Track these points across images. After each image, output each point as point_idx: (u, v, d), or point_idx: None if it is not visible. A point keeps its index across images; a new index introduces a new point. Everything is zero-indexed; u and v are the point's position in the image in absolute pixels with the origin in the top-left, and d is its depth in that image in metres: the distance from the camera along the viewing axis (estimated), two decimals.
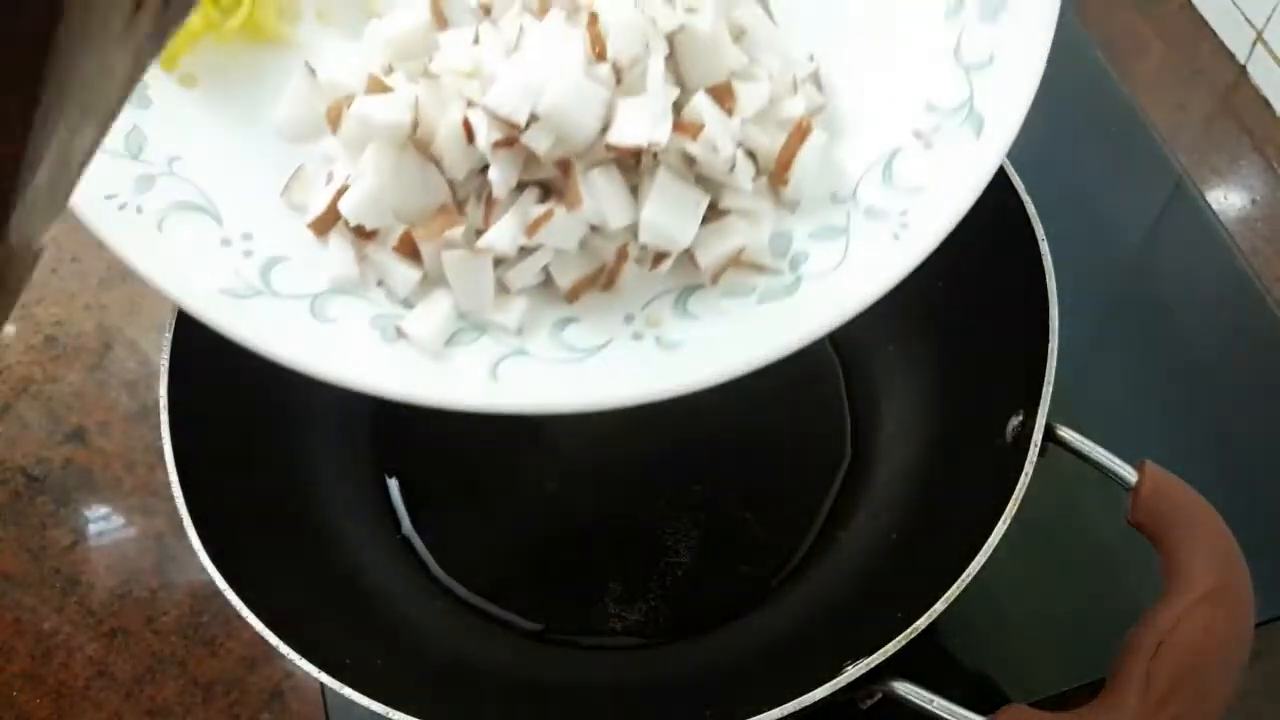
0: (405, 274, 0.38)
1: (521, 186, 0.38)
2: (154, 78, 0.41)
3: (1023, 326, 0.49)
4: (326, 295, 0.39)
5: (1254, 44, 0.74)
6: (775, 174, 0.39)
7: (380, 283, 0.39)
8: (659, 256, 0.38)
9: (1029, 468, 0.45)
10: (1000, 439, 0.49)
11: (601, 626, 0.55)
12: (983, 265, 0.46)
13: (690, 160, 0.38)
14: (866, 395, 0.60)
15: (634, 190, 0.38)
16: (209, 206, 0.40)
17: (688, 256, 0.39)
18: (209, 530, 0.45)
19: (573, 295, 0.39)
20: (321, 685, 0.46)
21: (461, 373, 0.38)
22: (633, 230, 0.38)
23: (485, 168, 0.38)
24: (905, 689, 0.44)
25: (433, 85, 0.38)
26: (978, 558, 0.43)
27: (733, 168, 0.37)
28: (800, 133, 0.39)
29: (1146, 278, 0.69)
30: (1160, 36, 0.78)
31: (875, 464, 0.58)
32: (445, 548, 0.57)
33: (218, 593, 0.43)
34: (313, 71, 0.41)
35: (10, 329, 0.68)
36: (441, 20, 0.41)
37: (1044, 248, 0.49)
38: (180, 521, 0.45)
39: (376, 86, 0.39)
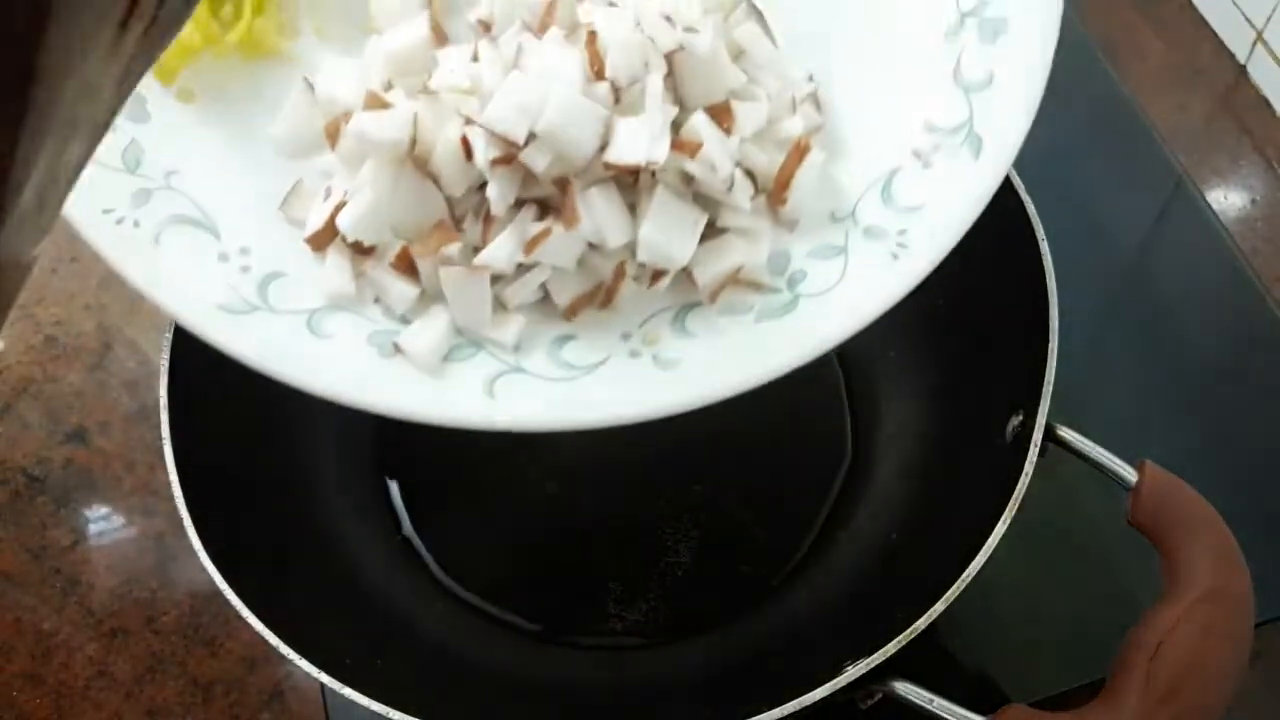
0: (403, 290, 0.38)
1: (519, 204, 0.38)
2: (152, 92, 0.41)
3: (1023, 326, 0.49)
4: (323, 311, 0.39)
5: (1254, 44, 0.74)
6: (774, 193, 0.39)
7: (377, 299, 0.39)
8: (657, 274, 0.38)
9: (1029, 468, 0.45)
10: (1000, 439, 0.49)
11: (601, 626, 0.55)
12: (983, 265, 0.45)
13: (689, 179, 0.38)
14: (866, 395, 0.60)
15: (632, 208, 0.38)
16: (206, 221, 0.40)
17: (686, 275, 0.39)
18: (209, 530, 0.45)
19: (570, 313, 0.39)
20: (321, 685, 0.46)
21: (458, 390, 0.37)
22: (631, 248, 0.38)
23: (483, 185, 0.38)
24: (905, 689, 0.44)
25: (431, 102, 0.38)
26: (978, 558, 0.43)
27: (731, 186, 0.37)
28: (799, 152, 0.39)
29: (1146, 278, 0.69)
30: (1160, 36, 0.78)
31: (875, 464, 0.58)
32: (445, 548, 0.57)
33: (218, 593, 0.43)
34: (311, 87, 0.41)
35: (10, 329, 0.68)
36: (441, 37, 0.41)
37: (1044, 248, 0.49)
38: (180, 521, 0.45)
39: (375, 103, 0.38)
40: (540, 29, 0.39)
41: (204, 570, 0.44)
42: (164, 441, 0.47)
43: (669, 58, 0.38)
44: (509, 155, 0.36)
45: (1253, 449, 0.62)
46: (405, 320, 0.39)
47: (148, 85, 0.41)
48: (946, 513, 0.52)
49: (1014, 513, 0.44)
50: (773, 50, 0.40)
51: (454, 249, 0.37)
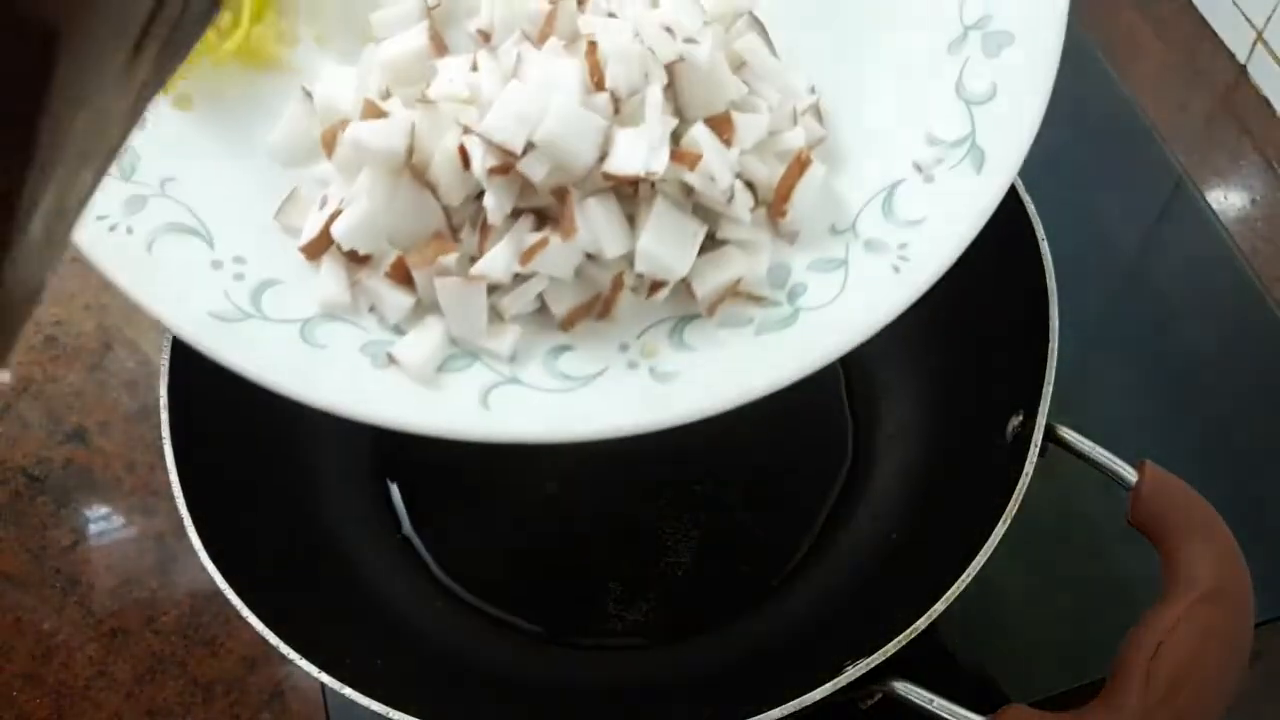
0: (398, 300, 0.38)
1: (517, 213, 0.37)
2: None
3: (1023, 326, 0.49)
4: (317, 320, 0.38)
5: (1254, 44, 0.74)
6: (774, 205, 0.39)
7: (372, 308, 0.39)
8: (655, 286, 0.38)
9: (1029, 468, 0.45)
10: (1000, 439, 0.49)
11: (601, 627, 0.55)
12: (983, 265, 0.45)
13: (688, 190, 0.37)
14: (866, 396, 0.60)
15: (631, 219, 0.38)
16: (201, 229, 0.39)
17: (684, 286, 0.38)
18: (209, 530, 0.45)
19: (567, 323, 0.39)
20: (321, 685, 0.46)
21: (452, 401, 0.37)
22: (629, 259, 0.37)
23: (481, 194, 0.37)
24: (905, 689, 0.44)
25: (429, 111, 0.38)
26: (978, 558, 0.43)
27: (731, 198, 0.37)
28: (799, 164, 0.38)
29: (1146, 278, 0.69)
30: (1160, 36, 0.78)
31: (875, 464, 0.58)
32: (445, 548, 0.57)
33: (218, 593, 0.43)
34: (309, 95, 0.40)
35: None
36: (441, 46, 0.40)
37: (1044, 248, 0.49)
38: (180, 521, 0.45)
39: (372, 111, 0.38)
40: (540, 39, 0.39)
41: (204, 570, 0.44)
42: (164, 441, 0.47)
43: (669, 68, 0.37)
44: (506, 165, 0.36)
45: (1253, 449, 0.62)
46: (400, 330, 0.38)
47: None
48: (946, 513, 0.52)
49: (1014, 513, 0.44)
50: (774, 62, 0.40)
51: (450, 259, 0.37)
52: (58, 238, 0.18)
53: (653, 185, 0.37)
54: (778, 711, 0.41)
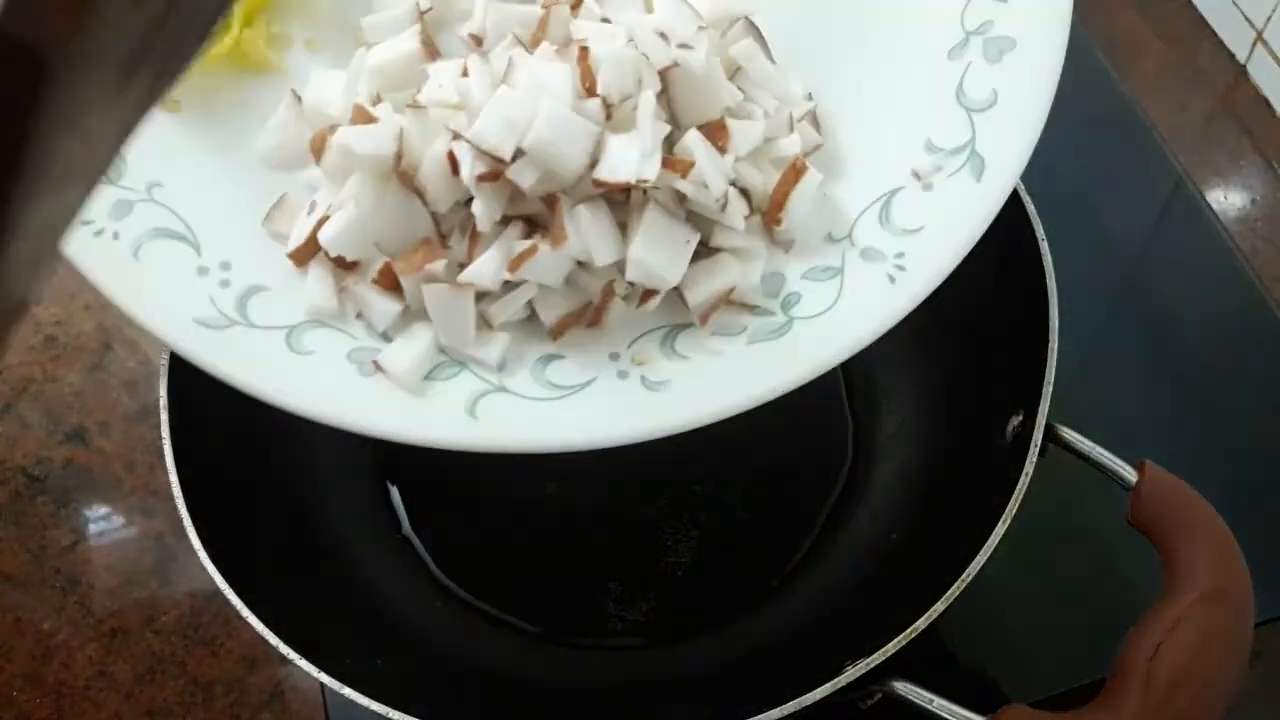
0: (385, 307, 0.38)
1: (506, 220, 0.37)
2: None
3: (1023, 326, 0.49)
4: (303, 327, 0.38)
5: (1254, 44, 0.74)
6: (769, 213, 0.38)
7: (360, 315, 0.38)
8: (647, 294, 0.38)
9: (1029, 468, 0.45)
10: (1000, 439, 0.49)
11: (601, 627, 0.55)
12: (983, 265, 0.45)
13: (681, 197, 0.37)
14: (866, 396, 0.60)
15: (623, 226, 0.37)
16: (188, 234, 0.39)
17: (677, 295, 0.38)
18: (209, 530, 0.45)
19: (557, 332, 0.38)
20: (321, 685, 0.46)
21: (439, 410, 0.37)
22: (620, 267, 0.37)
23: (470, 200, 0.37)
24: (905, 689, 0.44)
25: (419, 116, 0.37)
26: (978, 558, 0.43)
27: (724, 205, 0.37)
28: (795, 172, 0.38)
29: (1146, 278, 0.69)
30: (1160, 36, 0.78)
31: (875, 464, 0.58)
32: (445, 548, 0.57)
33: (218, 593, 0.43)
34: (299, 99, 0.40)
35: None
36: (432, 51, 0.40)
37: (1044, 248, 0.49)
38: (180, 521, 0.45)
39: (361, 116, 0.38)
40: (533, 43, 0.38)
41: (204, 570, 0.44)
42: (164, 441, 0.47)
43: (663, 74, 0.37)
44: (495, 171, 0.36)
45: (1253, 449, 0.61)
46: (387, 337, 0.38)
47: None
48: (946, 513, 0.52)
49: (1014, 513, 0.44)
50: (770, 68, 0.40)
51: (439, 265, 0.37)
52: (45, 254, 0.17)
53: (644, 192, 0.37)
54: (778, 711, 0.41)
